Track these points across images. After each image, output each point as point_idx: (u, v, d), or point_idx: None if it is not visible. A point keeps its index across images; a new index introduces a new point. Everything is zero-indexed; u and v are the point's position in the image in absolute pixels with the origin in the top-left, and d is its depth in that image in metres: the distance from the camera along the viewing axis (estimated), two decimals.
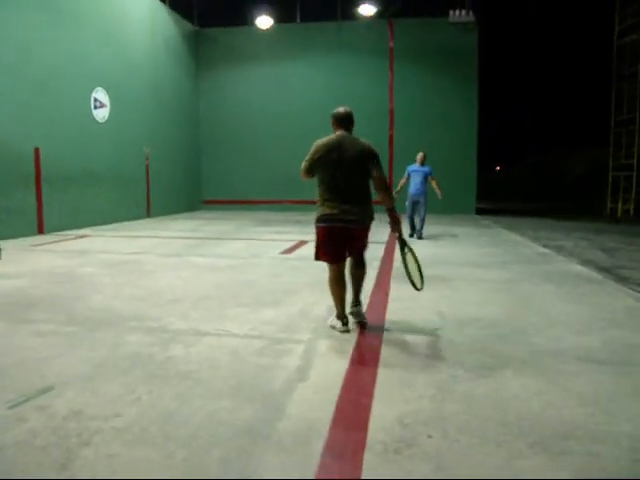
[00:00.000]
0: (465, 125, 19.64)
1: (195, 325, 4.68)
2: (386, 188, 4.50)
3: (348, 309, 4.59)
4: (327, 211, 4.38)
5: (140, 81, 16.96)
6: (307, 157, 4.48)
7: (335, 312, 4.58)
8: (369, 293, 5.97)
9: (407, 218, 11.42)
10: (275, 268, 7.67)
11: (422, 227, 11.57)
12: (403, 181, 11.63)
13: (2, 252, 7.86)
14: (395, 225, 4.58)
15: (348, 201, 4.35)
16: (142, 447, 2.55)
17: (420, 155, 11.49)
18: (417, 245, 10.41)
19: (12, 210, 11.29)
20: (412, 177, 11.44)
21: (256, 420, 2.83)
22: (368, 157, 4.44)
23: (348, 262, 4.62)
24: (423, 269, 4.60)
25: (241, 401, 3.07)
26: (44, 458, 2.45)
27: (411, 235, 11.54)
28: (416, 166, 11.46)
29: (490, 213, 19.94)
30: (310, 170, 4.50)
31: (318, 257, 4.56)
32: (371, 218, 4.52)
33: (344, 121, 4.56)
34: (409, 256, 4.60)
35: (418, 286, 4.55)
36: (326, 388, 3.26)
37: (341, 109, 4.59)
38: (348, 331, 4.47)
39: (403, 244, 4.61)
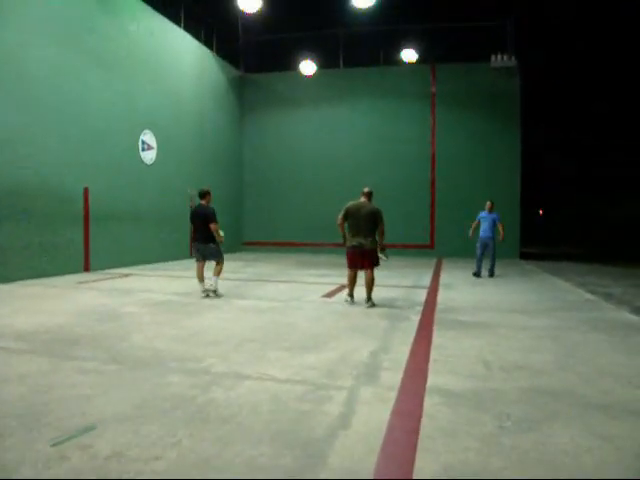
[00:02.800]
0: (508, 169, 19.45)
1: (236, 368, 4.67)
2: (382, 233, 8.14)
3: (362, 304, 8.04)
4: (352, 242, 8.11)
5: (186, 124, 17.48)
6: (342, 211, 8.15)
7: (347, 292, 8.42)
8: (411, 339, 5.89)
9: (476, 260, 12.71)
10: (316, 312, 7.65)
11: (493, 266, 12.71)
12: (474, 224, 13.00)
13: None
14: (383, 246, 8.25)
15: (362, 237, 8.03)
16: None
17: (488, 204, 12.83)
18: (462, 290, 10.28)
19: (61, 247, 11.64)
20: (481, 222, 12.78)
21: (297, 467, 2.78)
22: (375, 215, 8.05)
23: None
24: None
25: (282, 447, 3.02)
26: None
27: (475, 274, 12.53)
28: (485, 213, 12.79)
29: (534, 258, 19.57)
30: (345, 218, 8.13)
31: (348, 265, 8.28)
32: (374, 246, 8.07)
33: (366, 196, 8.25)
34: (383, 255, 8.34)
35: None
36: (369, 437, 3.19)
37: (366, 189, 8.28)
38: (352, 303, 8.22)
39: (383, 250, 8.22)
